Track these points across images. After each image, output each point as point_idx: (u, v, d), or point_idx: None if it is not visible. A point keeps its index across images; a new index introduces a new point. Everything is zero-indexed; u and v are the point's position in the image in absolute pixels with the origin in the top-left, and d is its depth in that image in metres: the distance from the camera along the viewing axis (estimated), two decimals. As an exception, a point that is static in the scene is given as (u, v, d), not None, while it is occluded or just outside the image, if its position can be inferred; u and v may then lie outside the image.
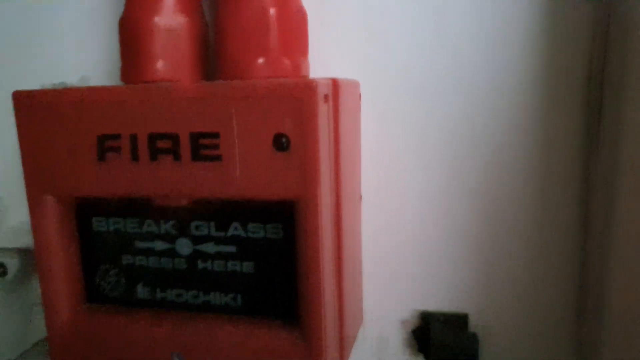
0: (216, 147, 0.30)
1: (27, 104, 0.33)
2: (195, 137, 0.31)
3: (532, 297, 0.41)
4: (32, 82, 0.47)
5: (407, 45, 0.40)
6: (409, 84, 0.41)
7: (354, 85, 0.39)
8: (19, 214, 0.50)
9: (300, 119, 0.29)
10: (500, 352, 0.43)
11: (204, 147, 0.31)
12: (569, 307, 0.41)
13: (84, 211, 0.37)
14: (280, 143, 0.29)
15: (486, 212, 0.41)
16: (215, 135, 0.30)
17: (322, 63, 0.41)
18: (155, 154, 0.31)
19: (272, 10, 0.35)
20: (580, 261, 0.40)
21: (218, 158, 0.30)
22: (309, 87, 0.28)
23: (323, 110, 0.30)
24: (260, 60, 0.35)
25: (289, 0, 0.36)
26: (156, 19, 0.36)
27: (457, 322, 0.42)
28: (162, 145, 0.31)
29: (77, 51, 0.46)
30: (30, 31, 0.48)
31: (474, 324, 0.42)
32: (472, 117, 0.40)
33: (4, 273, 0.47)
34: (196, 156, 0.31)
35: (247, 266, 0.34)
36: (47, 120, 0.33)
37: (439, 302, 0.43)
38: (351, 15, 0.41)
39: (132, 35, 0.36)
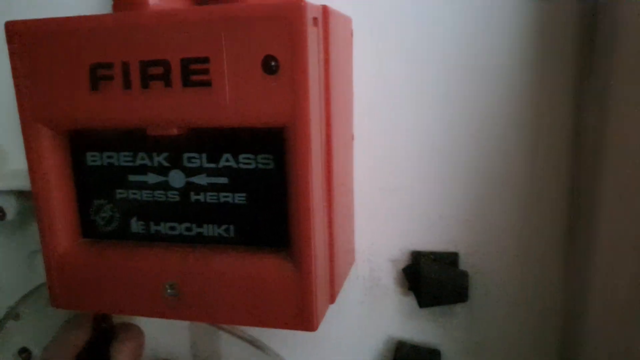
0: (206, 72, 0.31)
1: (19, 34, 0.33)
2: (186, 63, 0.31)
3: (521, 238, 0.42)
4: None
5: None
6: (402, 22, 0.40)
7: (346, 20, 0.39)
8: (17, 160, 0.50)
9: (289, 40, 0.29)
10: (489, 291, 0.43)
11: (194, 73, 0.31)
12: (557, 250, 0.42)
13: (78, 146, 0.37)
14: (270, 66, 0.29)
15: (478, 154, 0.41)
16: (205, 60, 0.30)
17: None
18: (147, 81, 0.32)
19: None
20: (569, 204, 0.41)
21: (208, 83, 0.31)
22: (297, 7, 0.28)
23: (312, 33, 0.30)
24: (251, -8, 0.35)
25: None
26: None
27: (447, 260, 0.43)
28: (154, 72, 0.31)
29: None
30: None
31: (464, 262, 0.43)
32: (466, 56, 0.40)
33: (3, 216, 0.48)
34: (187, 82, 0.31)
35: (239, 197, 0.35)
36: (40, 50, 0.33)
37: (430, 242, 0.43)
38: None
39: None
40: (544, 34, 0.39)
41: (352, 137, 0.42)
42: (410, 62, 0.41)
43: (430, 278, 0.42)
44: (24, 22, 0.33)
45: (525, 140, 0.40)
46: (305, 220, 0.32)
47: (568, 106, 0.39)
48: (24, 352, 0.51)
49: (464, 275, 0.42)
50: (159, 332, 0.51)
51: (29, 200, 0.49)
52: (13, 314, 0.51)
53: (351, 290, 0.46)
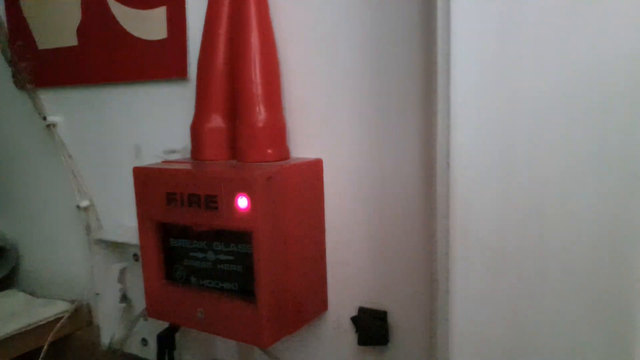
0: (215, 202, 0.59)
1: (139, 174, 0.66)
2: (207, 197, 0.60)
3: (426, 306, 0.63)
4: (157, 148, 0.82)
5: (351, 138, 0.65)
6: (354, 163, 0.65)
7: (313, 163, 0.65)
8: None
9: (251, 190, 0.56)
10: (405, 339, 0.64)
11: (210, 202, 0.60)
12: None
13: (166, 234, 0.68)
14: (244, 201, 0.57)
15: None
16: (215, 196, 0.59)
17: (302, 148, 0.68)
18: (190, 204, 0.62)
19: (261, 125, 0.63)
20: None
21: (216, 208, 0.59)
22: (252, 177, 0.56)
23: (265, 186, 0.57)
24: (255, 150, 0.63)
25: (276, 120, 0.64)
26: (207, 126, 0.67)
27: (379, 315, 0.65)
28: (193, 200, 0.61)
29: (185, 128, 0.79)
30: (157, 117, 0.82)
31: (391, 318, 0.65)
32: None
33: (137, 259, 0.81)
34: (207, 207, 0.60)
35: (239, 267, 0.63)
36: (147, 182, 0.65)
37: (371, 302, 0.66)
38: (316, 124, 0.67)
39: (195, 135, 0.68)
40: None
41: (324, 231, 0.68)
42: (357, 196, 0.65)
43: (362, 327, 0.65)
44: (142, 168, 0.66)
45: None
46: (257, 281, 0.58)
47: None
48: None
49: (386, 327, 0.64)
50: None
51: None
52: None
53: (326, 328, 0.70)
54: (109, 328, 0.88)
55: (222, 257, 0.64)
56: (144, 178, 0.66)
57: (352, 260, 0.67)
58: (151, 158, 0.83)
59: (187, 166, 0.65)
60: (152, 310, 0.69)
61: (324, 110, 0.67)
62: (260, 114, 0.63)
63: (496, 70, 0.43)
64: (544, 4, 0.42)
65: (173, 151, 0.81)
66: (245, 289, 0.62)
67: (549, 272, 0.43)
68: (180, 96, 0.79)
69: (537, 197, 0.43)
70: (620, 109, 0.40)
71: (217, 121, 0.67)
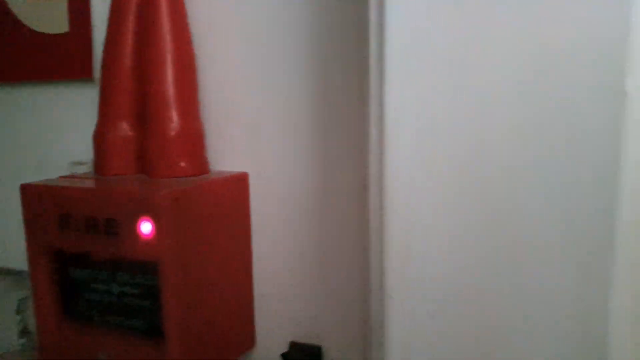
0: (115, 227, 0.49)
1: (28, 193, 0.55)
2: (107, 221, 0.50)
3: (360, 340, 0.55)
4: (63, 159, 0.70)
5: (282, 148, 0.57)
6: (279, 174, 0.57)
7: (237, 178, 0.56)
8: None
9: (154, 214, 0.47)
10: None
11: (110, 227, 0.50)
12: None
13: (64, 263, 0.57)
14: (147, 226, 0.48)
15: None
16: (114, 220, 0.49)
17: (224, 160, 0.59)
18: (87, 228, 0.51)
19: (173, 133, 0.54)
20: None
21: (116, 233, 0.50)
22: (156, 196, 0.47)
23: (173, 207, 0.47)
24: (165, 163, 0.54)
25: (191, 128, 0.55)
26: (111, 134, 0.57)
27: (312, 351, 0.57)
28: (91, 224, 0.51)
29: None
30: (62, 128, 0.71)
31: (325, 354, 0.57)
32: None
33: (35, 289, 0.70)
34: (107, 232, 0.50)
35: (145, 302, 0.53)
36: (37, 202, 0.54)
37: (304, 336, 0.58)
38: (241, 132, 0.59)
39: (98, 146, 0.57)
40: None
41: (250, 258, 0.59)
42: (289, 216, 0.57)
43: (294, 364, 0.56)
44: (30, 185, 0.55)
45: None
46: (165, 319, 0.49)
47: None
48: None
49: (321, 365, 0.56)
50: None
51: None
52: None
53: (255, 366, 0.61)
54: (6, 368, 0.76)
55: (127, 289, 0.54)
56: (34, 197, 0.55)
57: (283, 290, 0.59)
58: (56, 171, 0.72)
59: (87, 183, 0.55)
60: (47, 354, 0.58)
61: (251, 116, 0.58)
62: (172, 120, 0.54)
63: (440, 64, 0.36)
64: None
65: (80, 163, 0.70)
66: (155, 327, 0.53)
67: (514, 315, 0.36)
68: (88, 99, 0.68)
69: (501, 216, 0.36)
70: (585, 102, 0.33)
71: (123, 129, 0.57)
